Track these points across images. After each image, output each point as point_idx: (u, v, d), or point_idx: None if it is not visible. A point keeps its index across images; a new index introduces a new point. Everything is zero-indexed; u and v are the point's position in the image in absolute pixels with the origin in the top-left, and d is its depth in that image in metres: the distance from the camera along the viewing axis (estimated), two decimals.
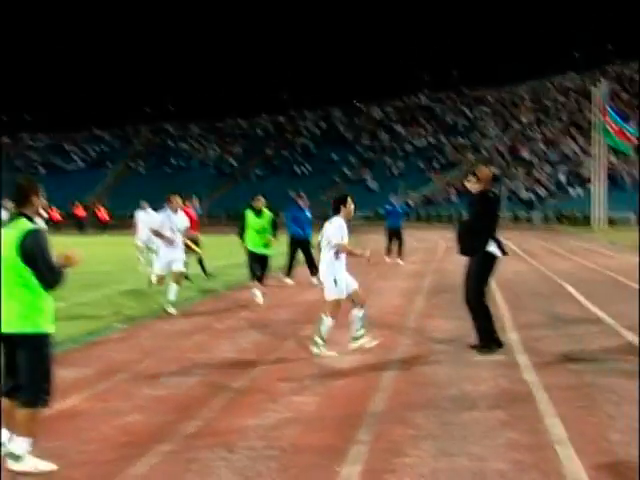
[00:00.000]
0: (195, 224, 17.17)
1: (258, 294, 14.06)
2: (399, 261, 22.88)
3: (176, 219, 13.61)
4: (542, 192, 64.79)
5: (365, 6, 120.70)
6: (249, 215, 14.62)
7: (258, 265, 14.37)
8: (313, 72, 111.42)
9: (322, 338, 9.30)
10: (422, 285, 17.29)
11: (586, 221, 51.56)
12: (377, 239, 38.43)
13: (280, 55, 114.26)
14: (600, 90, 49.10)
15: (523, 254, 26.76)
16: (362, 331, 9.53)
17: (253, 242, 14.51)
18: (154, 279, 14.36)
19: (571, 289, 15.76)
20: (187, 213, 15.53)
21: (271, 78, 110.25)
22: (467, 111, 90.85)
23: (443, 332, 10.87)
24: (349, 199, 9.78)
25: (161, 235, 13.51)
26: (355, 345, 9.47)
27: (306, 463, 5.61)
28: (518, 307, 13.17)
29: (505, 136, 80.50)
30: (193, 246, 16.84)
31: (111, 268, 21.67)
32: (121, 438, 6.23)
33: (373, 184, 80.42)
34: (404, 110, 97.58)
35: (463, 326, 10.54)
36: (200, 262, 18.98)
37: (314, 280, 17.55)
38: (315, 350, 9.30)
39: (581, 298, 14.26)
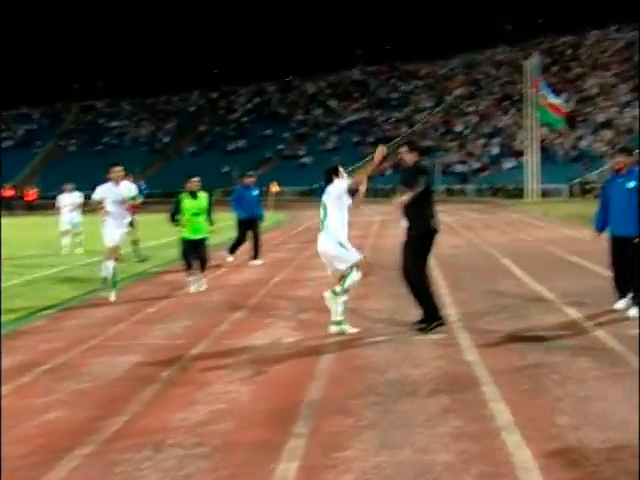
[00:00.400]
0: (132, 205, 16.36)
1: (193, 287, 13.36)
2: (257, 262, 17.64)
3: (119, 190, 12.98)
4: (476, 165, 65.16)
5: None
6: (184, 199, 13.46)
7: (195, 253, 13.40)
8: (246, 47, 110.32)
9: (341, 314, 9.08)
10: None
11: (519, 193, 51.97)
12: (313, 215, 38.31)
13: (212, 30, 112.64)
14: (532, 63, 49.35)
15: (459, 228, 26.69)
16: (343, 316, 9.10)
17: (190, 228, 13.42)
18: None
19: (509, 263, 15.64)
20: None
21: (203, 53, 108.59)
22: (400, 85, 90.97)
23: (379, 312, 10.55)
24: (340, 169, 9.49)
25: (103, 208, 12.79)
26: (336, 329, 9.07)
27: (239, 461, 5.22)
28: (457, 284, 12.95)
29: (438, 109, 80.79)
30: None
31: (37, 252, 20.96)
32: (40, 439, 5.78)
33: (307, 159, 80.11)
34: (337, 85, 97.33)
35: (401, 305, 10.27)
36: (134, 244, 18.42)
37: (256, 262, 17.55)
38: (335, 329, 9.10)
39: (519, 273, 14.11)
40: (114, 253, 12.83)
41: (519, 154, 59.53)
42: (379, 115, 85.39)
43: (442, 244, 20.14)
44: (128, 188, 13.37)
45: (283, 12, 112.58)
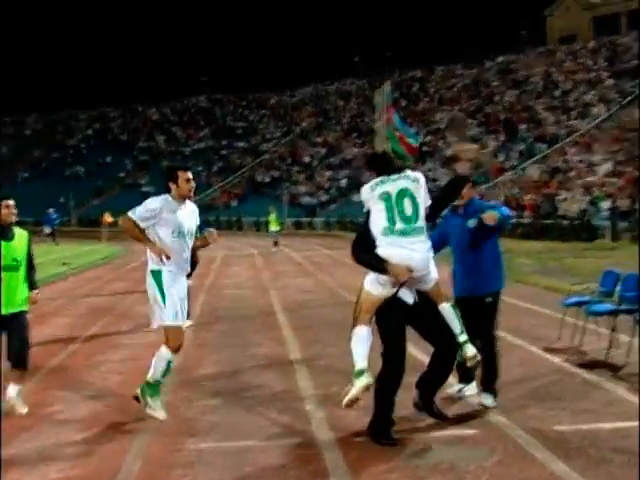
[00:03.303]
0: None
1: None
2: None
3: None
4: (324, 197, 63.66)
5: (144, 7, 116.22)
6: None
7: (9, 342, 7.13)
8: (88, 71, 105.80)
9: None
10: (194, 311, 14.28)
11: None
12: None
13: (54, 52, 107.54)
14: (383, 93, 48.14)
15: (309, 266, 24.39)
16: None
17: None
18: None
19: None
20: None
21: (43, 75, 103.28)
22: (248, 114, 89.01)
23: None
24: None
25: None
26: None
27: None
28: (313, 343, 10.45)
29: (286, 140, 79.18)
30: None
31: None
32: None
33: (149, 188, 76.61)
34: (182, 112, 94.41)
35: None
36: None
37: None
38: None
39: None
40: None
41: None
42: (225, 144, 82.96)
43: (291, 287, 17.82)
44: None
45: (127, 36, 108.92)
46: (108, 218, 39.80)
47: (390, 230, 5.94)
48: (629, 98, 56.29)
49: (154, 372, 6.70)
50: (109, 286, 19.09)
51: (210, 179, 75.70)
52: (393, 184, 6.02)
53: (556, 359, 8.90)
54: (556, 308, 12.50)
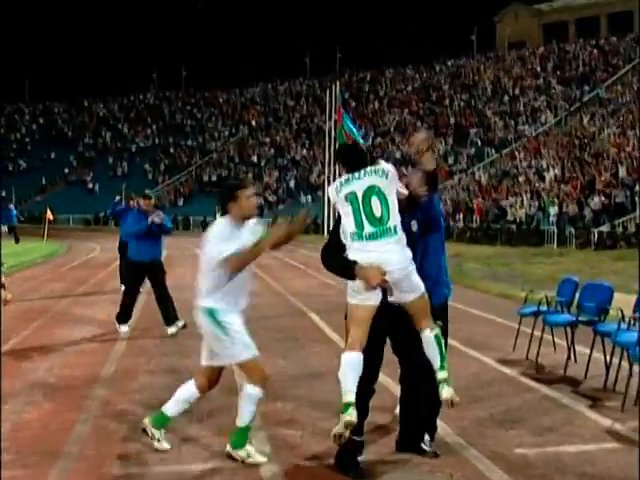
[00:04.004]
0: None
1: None
2: None
3: None
4: (272, 198, 63.06)
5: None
6: None
7: None
8: (33, 64, 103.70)
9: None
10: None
11: (316, 228, 50.07)
12: (93, 247, 34.49)
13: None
14: (333, 93, 47.76)
15: (257, 269, 23.71)
16: None
17: None
18: None
19: (318, 321, 12.78)
20: None
21: None
22: (196, 112, 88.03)
23: None
24: None
25: None
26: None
27: None
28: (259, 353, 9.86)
29: (234, 139, 78.40)
30: None
31: None
32: None
33: (94, 185, 75.37)
34: (130, 108, 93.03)
35: None
36: None
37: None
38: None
39: (334, 335, 11.21)
40: None
41: (317, 188, 57.97)
42: (172, 142, 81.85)
43: None
44: None
45: (74, 29, 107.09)
46: (50, 215, 38.64)
47: (358, 235, 5.27)
48: (577, 105, 56.73)
49: (244, 417, 5.77)
50: (45, 287, 18.26)
51: (156, 177, 74.66)
52: (359, 182, 5.33)
53: (512, 372, 8.47)
54: (509, 316, 12.15)
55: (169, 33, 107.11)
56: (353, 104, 70.88)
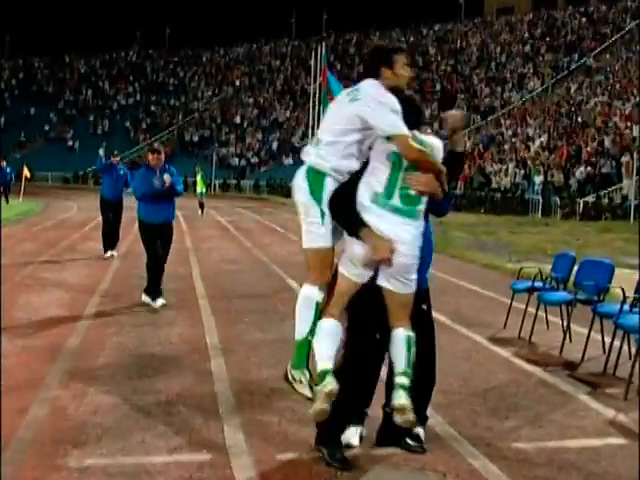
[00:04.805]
0: None
1: None
2: (112, 252, 15.74)
3: None
4: (254, 159, 62.29)
5: None
6: None
7: None
8: (13, 18, 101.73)
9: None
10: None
11: None
12: (71, 206, 33.64)
13: None
14: (319, 55, 46.89)
15: (236, 231, 23.21)
16: None
17: None
18: None
19: (296, 286, 12.20)
20: None
21: None
22: (179, 71, 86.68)
23: None
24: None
25: None
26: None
27: None
28: (234, 324, 9.30)
29: (217, 99, 77.31)
30: None
31: None
32: None
33: (74, 142, 74.22)
34: (111, 65, 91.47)
35: None
36: None
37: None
38: None
39: None
40: None
41: (299, 150, 57.19)
42: (154, 101, 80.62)
43: (214, 256, 16.65)
44: None
45: None
46: (27, 172, 37.75)
47: (382, 202, 4.57)
48: (564, 73, 56.09)
49: (299, 327, 4.84)
50: (16, 248, 17.56)
51: (138, 136, 73.60)
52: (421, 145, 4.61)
53: (505, 352, 7.95)
54: (497, 289, 11.69)
55: None
56: (339, 66, 69.85)
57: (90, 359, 7.42)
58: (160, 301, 10.15)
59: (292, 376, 4.84)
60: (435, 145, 4.77)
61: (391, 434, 5.08)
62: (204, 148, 64.81)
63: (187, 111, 76.70)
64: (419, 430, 5.09)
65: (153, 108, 79.38)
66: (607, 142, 38.42)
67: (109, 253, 15.56)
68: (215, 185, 56.42)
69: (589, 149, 38.17)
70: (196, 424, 5.54)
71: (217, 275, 13.44)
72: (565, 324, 8.11)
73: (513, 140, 45.04)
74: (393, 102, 4.60)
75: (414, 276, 4.71)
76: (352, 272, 4.72)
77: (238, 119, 70.85)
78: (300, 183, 4.80)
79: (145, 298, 10.23)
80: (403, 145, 4.54)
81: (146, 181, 10.16)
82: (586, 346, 7.61)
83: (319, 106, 45.84)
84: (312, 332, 4.76)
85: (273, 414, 5.79)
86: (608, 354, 7.27)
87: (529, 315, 8.67)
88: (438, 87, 61.27)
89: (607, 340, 7.61)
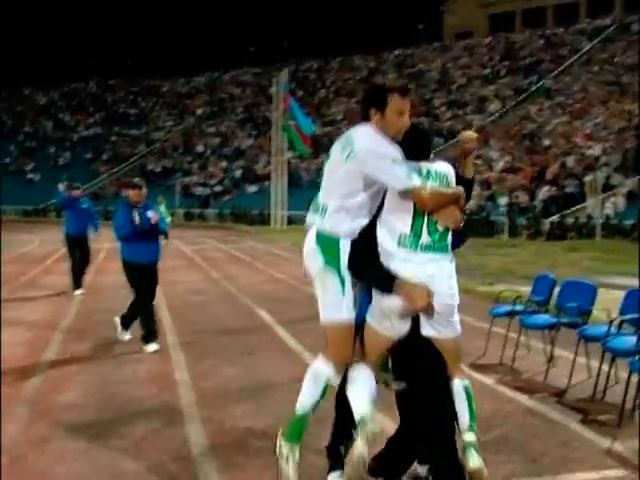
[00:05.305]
0: None
1: None
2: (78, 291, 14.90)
3: None
4: (218, 188, 61.79)
5: None
6: None
7: None
8: None
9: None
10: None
11: (264, 220, 49.14)
12: (30, 240, 32.87)
13: None
14: (280, 82, 46.76)
15: (201, 261, 22.77)
16: None
17: None
18: None
19: (270, 320, 11.84)
20: None
21: None
22: (140, 101, 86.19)
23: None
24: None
25: None
26: None
27: None
28: (201, 359, 8.90)
29: (179, 129, 76.85)
30: None
31: None
32: None
33: (34, 175, 73.24)
34: (71, 97, 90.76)
35: None
36: None
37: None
38: None
39: (288, 339, 10.28)
40: None
41: (263, 178, 56.85)
42: (115, 132, 79.96)
43: (179, 286, 16.21)
44: None
45: (14, 16, 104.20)
46: None
47: (411, 242, 4.11)
48: (524, 95, 56.52)
49: (301, 401, 4.36)
50: None
51: (99, 167, 72.81)
52: (427, 181, 4.13)
53: (488, 380, 7.65)
54: (473, 313, 11.34)
55: (111, 21, 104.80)
56: (300, 93, 69.87)
57: (53, 401, 6.99)
58: (153, 346, 9.28)
59: (280, 448, 4.33)
60: (448, 172, 4.34)
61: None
62: (167, 178, 64.25)
63: (149, 141, 76.09)
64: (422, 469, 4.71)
65: (114, 139, 78.68)
66: (570, 162, 38.63)
67: (79, 291, 14.93)
68: (178, 214, 55.92)
69: (552, 169, 38.32)
70: (167, 470, 5.16)
71: (184, 307, 13.03)
72: (549, 348, 7.83)
73: (476, 162, 45.12)
74: (392, 151, 4.11)
75: (457, 317, 4.26)
76: (386, 327, 4.19)
77: (200, 148, 70.39)
78: (311, 251, 4.29)
79: (123, 335, 9.73)
80: (417, 198, 4.09)
81: (129, 220, 9.37)
82: (572, 371, 7.33)
83: (281, 133, 46.02)
84: (314, 409, 4.32)
85: (250, 456, 5.42)
86: (597, 379, 6.99)
87: (509, 340, 8.38)
88: None
89: (591, 363, 7.35)
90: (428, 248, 4.13)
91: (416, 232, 4.14)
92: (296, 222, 47.67)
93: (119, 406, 6.75)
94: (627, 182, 34.96)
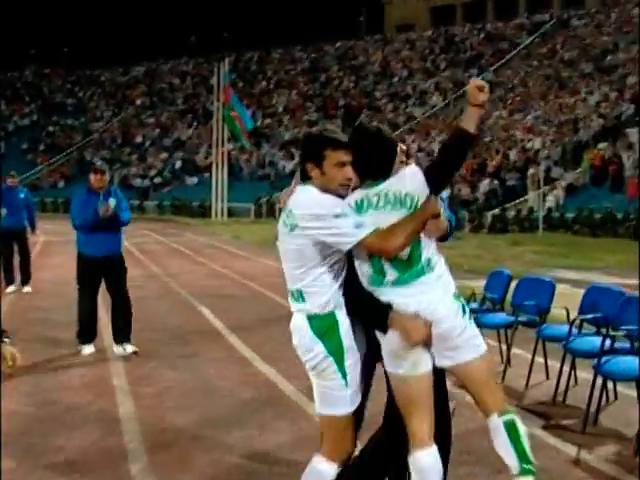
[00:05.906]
0: None
1: None
2: (26, 288, 14.11)
3: None
4: (157, 179, 60.84)
5: None
6: None
7: None
8: None
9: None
10: None
11: (205, 212, 48.51)
12: None
13: None
14: (221, 73, 46.12)
15: (139, 254, 22.15)
16: None
17: None
18: None
19: (210, 317, 11.39)
20: None
21: None
22: (77, 91, 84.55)
23: None
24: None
25: None
26: None
27: None
28: (143, 360, 8.42)
29: (117, 119, 75.55)
30: None
31: None
32: None
33: None
34: (6, 85, 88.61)
35: None
36: None
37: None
38: None
39: (231, 338, 9.83)
40: None
41: (203, 169, 56.10)
42: (52, 122, 78.27)
43: None
44: None
45: None
46: None
47: (378, 282, 3.67)
48: (465, 88, 56.71)
49: None
50: None
51: (36, 158, 71.20)
52: (376, 213, 3.64)
53: None
54: None
55: (48, 9, 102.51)
56: (241, 84, 69.15)
57: None
58: (130, 348, 8.59)
59: None
60: (410, 187, 3.68)
61: None
62: (110, 171, 63.17)
63: (87, 132, 74.63)
64: None
65: (51, 129, 77.00)
66: (512, 155, 38.81)
67: (26, 289, 14.12)
68: None
69: (494, 162, 38.45)
70: None
71: None
72: (505, 348, 7.54)
73: (418, 155, 45.07)
74: (331, 204, 3.58)
75: (470, 330, 3.74)
76: (407, 367, 3.67)
77: (140, 139, 69.25)
78: (304, 339, 3.69)
79: (87, 349, 8.68)
80: (371, 247, 3.59)
81: (87, 207, 8.55)
82: (530, 372, 7.06)
83: (222, 124, 45.43)
84: None
85: (193, 471, 5.00)
86: (557, 380, 6.71)
87: None
88: (342, 103, 61.17)
89: (550, 364, 7.09)
90: (400, 282, 3.67)
91: (379, 270, 3.69)
92: (237, 214, 47.20)
93: (52, 417, 6.25)
94: (567, 175, 35.26)
